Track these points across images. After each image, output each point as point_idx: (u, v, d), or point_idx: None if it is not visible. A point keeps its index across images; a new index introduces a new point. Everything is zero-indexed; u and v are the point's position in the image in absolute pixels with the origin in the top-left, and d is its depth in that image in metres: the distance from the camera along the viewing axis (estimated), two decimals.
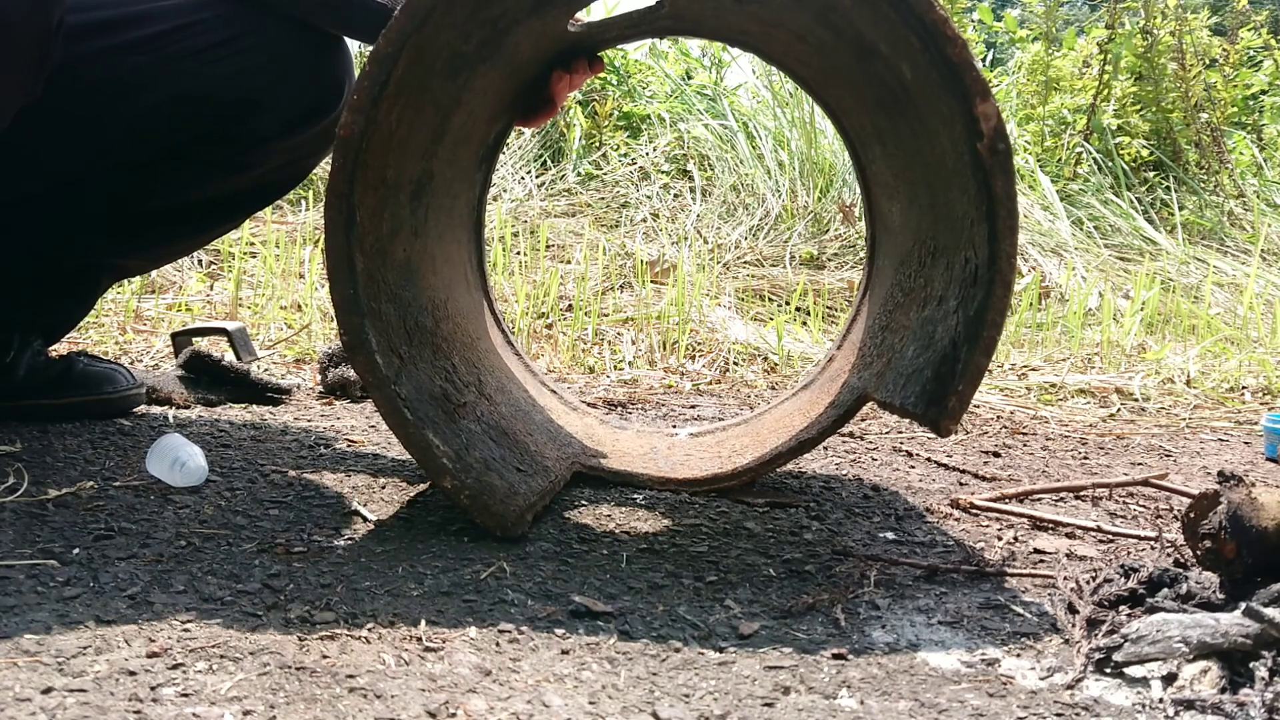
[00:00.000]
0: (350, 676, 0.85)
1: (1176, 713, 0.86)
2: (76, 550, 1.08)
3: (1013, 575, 1.16)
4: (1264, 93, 4.47)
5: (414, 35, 1.09)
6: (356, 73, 1.55)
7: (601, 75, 4.06)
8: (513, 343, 1.66)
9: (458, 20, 1.16)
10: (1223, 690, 0.88)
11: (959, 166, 1.17)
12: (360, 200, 1.13)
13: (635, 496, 1.41)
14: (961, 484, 1.55)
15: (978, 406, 2.10)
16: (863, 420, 1.96)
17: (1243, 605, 0.94)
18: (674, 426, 1.77)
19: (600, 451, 1.52)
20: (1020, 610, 1.07)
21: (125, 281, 2.40)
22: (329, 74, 1.47)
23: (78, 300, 1.62)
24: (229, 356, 1.87)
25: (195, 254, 2.76)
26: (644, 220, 3.38)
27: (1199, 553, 1.06)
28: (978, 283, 1.16)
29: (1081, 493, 1.49)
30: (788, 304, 2.85)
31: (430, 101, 1.22)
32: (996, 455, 1.74)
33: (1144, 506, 1.46)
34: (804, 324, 2.70)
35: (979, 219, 1.14)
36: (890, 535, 1.31)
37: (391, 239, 1.24)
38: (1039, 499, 1.47)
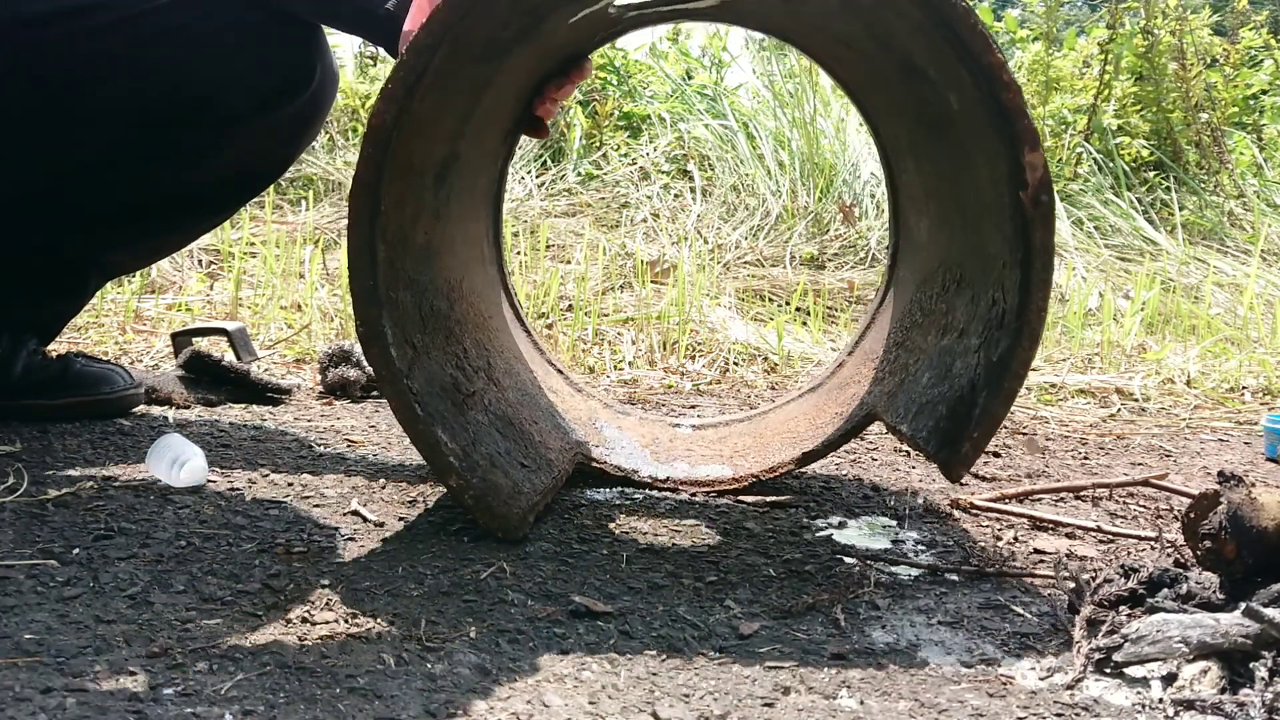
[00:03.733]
0: (350, 676, 0.85)
1: (1176, 713, 0.86)
2: (76, 550, 1.08)
3: (1013, 575, 1.16)
4: (1264, 93, 4.46)
5: (456, 26, 1.07)
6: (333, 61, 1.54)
7: (601, 75, 4.06)
8: (522, 319, 1.64)
9: (500, 12, 1.15)
10: (1223, 690, 0.88)
11: (997, 205, 1.15)
12: (386, 190, 1.11)
13: (635, 496, 1.41)
14: (962, 484, 1.55)
15: None
16: None
17: (1243, 605, 0.94)
18: (677, 416, 1.76)
19: (603, 442, 1.51)
20: (1020, 610, 1.07)
21: (125, 281, 2.40)
22: (297, 54, 1.45)
23: (68, 298, 1.61)
24: (229, 356, 1.86)
25: (195, 254, 2.76)
26: (644, 220, 3.38)
27: (1199, 553, 1.06)
28: (1003, 328, 1.14)
29: (1081, 493, 1.49)
30: (788, 304, 2.85)
31: (463, 87, 1.21)
32: (996, 455, 1.74)
33: (1144, 506, 1.46)
34: (804, 324, 2.70)
35: (1012, 263, 1.12)
36: (890, 535, 1.31)
37: (413, 224, 1.23)
38: (1039, 499, 1.47)
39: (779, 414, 1.60)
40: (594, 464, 1.45)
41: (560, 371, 1.66)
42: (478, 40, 1.16)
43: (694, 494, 1.43)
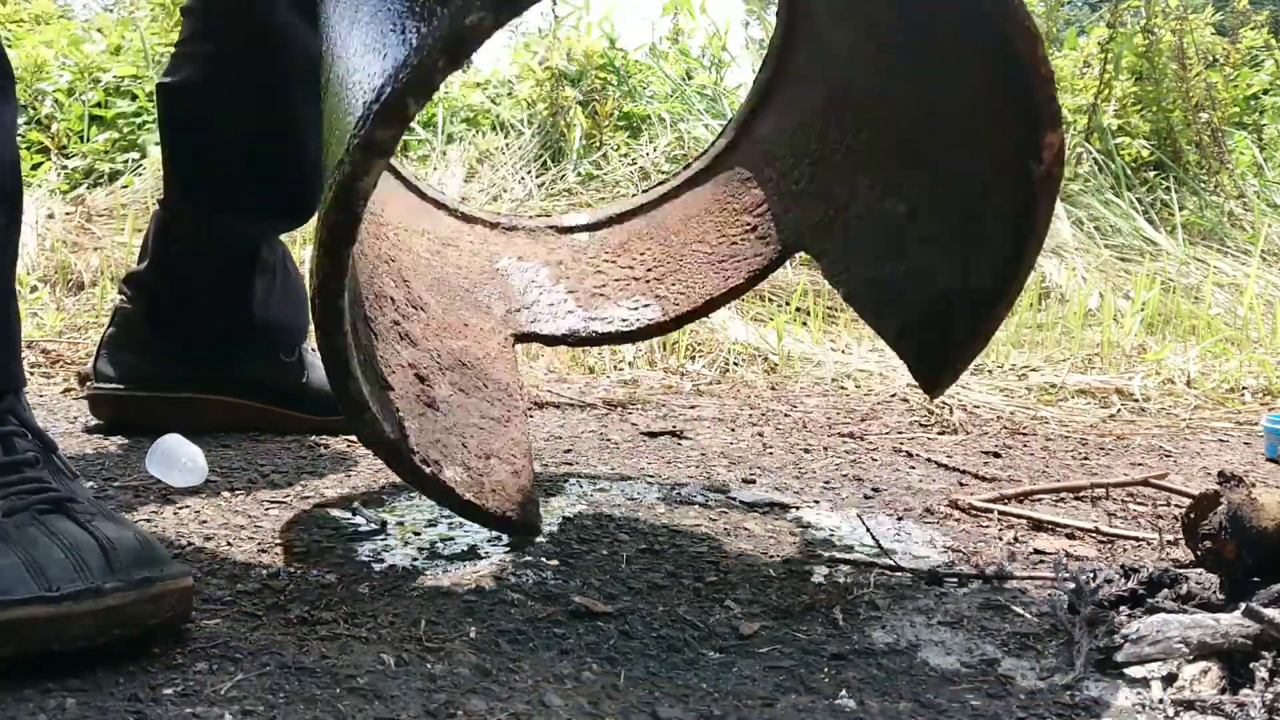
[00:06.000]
0: (350, 676, 0.85)
1: (1176, 713, 0.86)
2: None
3: (1013, 575, 1.16)
4: (1265, 93, 4.46)
5: None
6: None
7: (601, 75, 4.05)
8: (405, 177, 1.45)
9: None
10: (1223, 691, 0.88)
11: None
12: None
13: (634, 498, 1.41)
14: (961, 484, 1.55)
15: (978, 406, 2.10)
16: (863, 420, 1.96)
17: (1243, 606, 0.94)
18: (560, 217, 1.58)
19: (520, 300, 1.40)
20: (1020, 610, 1.07)
21: None
22: None
23: None
24: None
25: None
26: None
27: (1199, 553, 1.06)
28: (986, 263, 1.05)
29: (1081, 493, 1.49)
30: (788, 304, 2.85)
31: None
32: (996, 455, 1.74)
33: (1144, 507, 1.46)
34: (804, 324, 2.70)
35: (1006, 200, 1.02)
36: (890, 535, 1.31)
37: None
38: (1039, 499, 1.47)
39: (675, 208, 1.45)
40: (524, 341, 1.38)
41: (448, 210, 1.48)
42: None
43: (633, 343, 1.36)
